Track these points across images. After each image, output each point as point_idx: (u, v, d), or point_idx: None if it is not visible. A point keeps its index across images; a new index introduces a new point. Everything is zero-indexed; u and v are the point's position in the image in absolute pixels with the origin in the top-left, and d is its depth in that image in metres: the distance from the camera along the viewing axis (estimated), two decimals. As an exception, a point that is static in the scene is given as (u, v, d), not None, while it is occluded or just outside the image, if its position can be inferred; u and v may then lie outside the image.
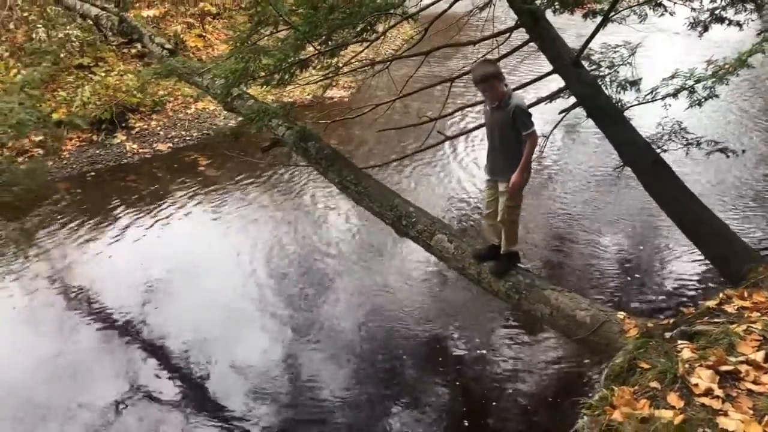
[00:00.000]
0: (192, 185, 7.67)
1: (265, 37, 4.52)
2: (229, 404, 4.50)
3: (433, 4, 5.10)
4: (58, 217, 6.87)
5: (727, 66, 4.28)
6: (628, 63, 4.77)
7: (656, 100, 4.63)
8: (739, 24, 4.99)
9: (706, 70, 4.47)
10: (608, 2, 4.27)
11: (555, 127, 5.26)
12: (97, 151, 8.43)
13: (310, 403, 4.49)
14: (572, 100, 4.71)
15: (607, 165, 7.27)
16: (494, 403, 4.46)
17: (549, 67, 4.54)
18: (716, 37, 5.61)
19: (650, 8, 4.92)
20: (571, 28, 6.39)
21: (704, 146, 4.79)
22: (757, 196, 7.12)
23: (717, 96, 4.50)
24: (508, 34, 4.83)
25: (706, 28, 5.24)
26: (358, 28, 4.27)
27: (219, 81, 5.17)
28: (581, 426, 2.35)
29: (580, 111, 4.71)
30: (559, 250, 6.35)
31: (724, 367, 2.48)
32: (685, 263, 5.89)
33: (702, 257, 4.87)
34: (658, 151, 4.51)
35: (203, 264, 6.06)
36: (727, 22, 5.05)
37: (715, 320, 2.95)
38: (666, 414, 2.26)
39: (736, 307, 3.08)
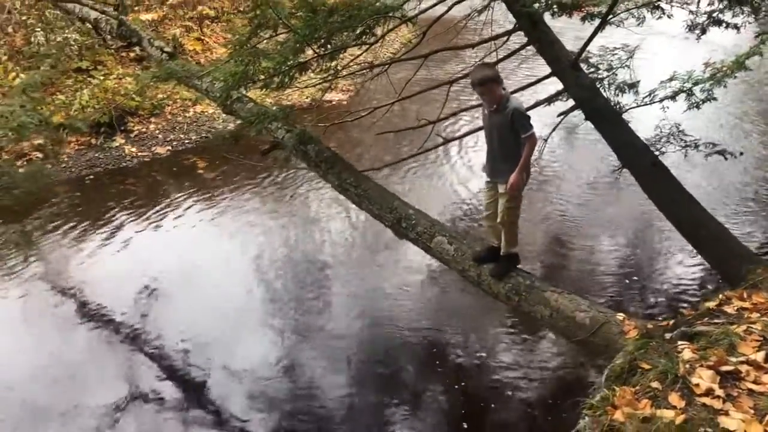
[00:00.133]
0: (191, 188, 7.66)
1: (265, 40, 4.52)
2: (227, 408, 4.50)
3: (431, 7, 5.11)
4: (58, 220, 6.86)
5: (724, 68, 4.32)
6: (627, 66, 4.79)
7: (654, 102, 4.66)
8: (736, 27, 5.03)
9: (703, 73, 4.50)
10: (606, 5, 4.28)
11: (554, 129, 5.27)
12: (96, 155, 8.41)
13: (308, 408, 4.48)
14: (571, 102, 4.72)
15: (605, 167, 7.29)
16: (493, 405, 4.46)
17: (547, 70, 4.55)
18: (714, 40, 5.63)
19: (648, 11, 4.96)
20: (569, 31, 6.40)
21: (702, 148, 4.81)
22: (755, 198, 7.14)
23: (715, 98, 4.53)
24: (506, 38, 4.84)
25: (703, 31, 5.28)
26: (358, 31, 4.27)
27: (218, 84, 5.18)
28: (583, 426, 2.35)
29: (578, 114, 4.72)
30: (558, 253, 6.36)
31: (724, 368, 2.48)
32: (683, 265, 5.91)
33: (700, 259, 4.89)
34: (657, 153, 4.52)
35: (202, 267, 6.04)
36: (724, 25, 5.09)
37: (715, 321, 2.95)
38: (667, 414, 2.26)
39: (735, 308, 3.09)
